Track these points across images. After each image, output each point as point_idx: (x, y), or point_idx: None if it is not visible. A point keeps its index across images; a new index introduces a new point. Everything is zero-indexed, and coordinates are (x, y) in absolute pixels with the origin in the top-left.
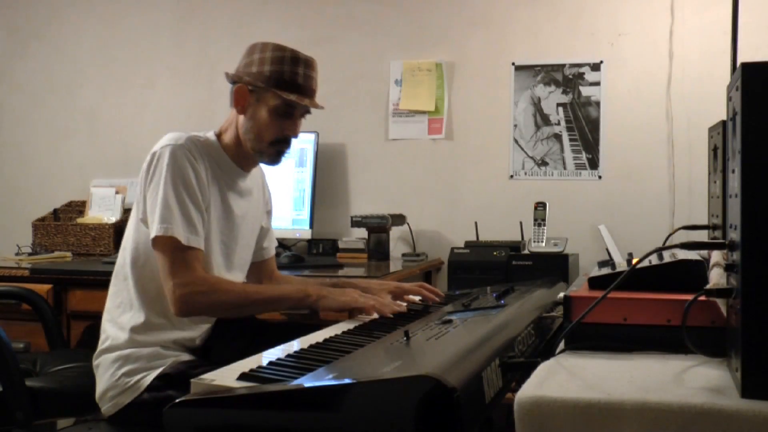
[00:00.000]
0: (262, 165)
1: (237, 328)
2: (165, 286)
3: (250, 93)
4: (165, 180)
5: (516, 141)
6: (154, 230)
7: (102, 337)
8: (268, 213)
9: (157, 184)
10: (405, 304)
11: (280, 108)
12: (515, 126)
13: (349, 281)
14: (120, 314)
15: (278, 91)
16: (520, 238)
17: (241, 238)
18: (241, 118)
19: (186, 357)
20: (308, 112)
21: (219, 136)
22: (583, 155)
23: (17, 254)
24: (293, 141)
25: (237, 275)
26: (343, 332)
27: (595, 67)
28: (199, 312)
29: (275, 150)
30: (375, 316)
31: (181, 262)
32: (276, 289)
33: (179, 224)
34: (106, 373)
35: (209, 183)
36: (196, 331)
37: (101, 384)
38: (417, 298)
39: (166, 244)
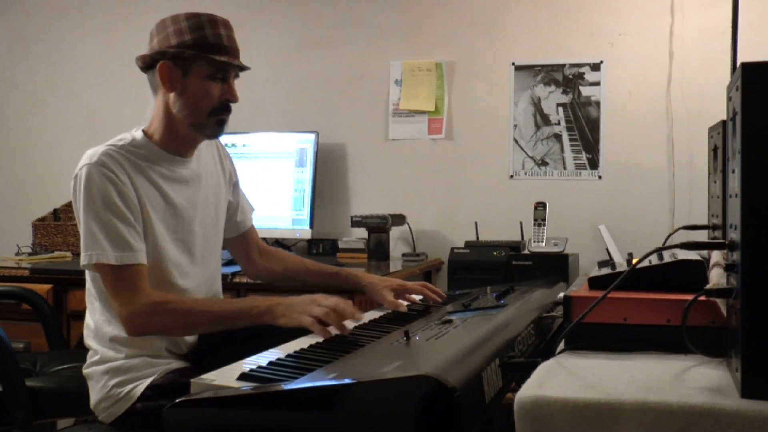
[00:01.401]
0: (209, 141)
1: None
2: (114, 309)
3: (175, 67)
4: (84, 205)
5: (516, 141)
6: (82, 259)
7: (90, 352)
8: (235, 185)
9: (81, 211)
10: (407, 303)
11: (213, 73)
12: (515, 126)
13: (352, 274)
14: (100, 330)
15: (208, 55)
16: (520, 238)
17: (199, 227)
18: (172, 96)
19: (177, 364)
20: (238, 74)
21: (147, 131)
22: (583, 155)
23: (17, 254)
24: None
25: (207, 265)
26: None
27: (595, 67)
28: (149, 330)
29: (216, 120)
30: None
31: (120, 283)
32: (229, 304)
33: (106, 247)
34: (97, 384)
35: (141, 187)
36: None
37: (94, 395)
38: (418, 298)
39: (99, 271)
